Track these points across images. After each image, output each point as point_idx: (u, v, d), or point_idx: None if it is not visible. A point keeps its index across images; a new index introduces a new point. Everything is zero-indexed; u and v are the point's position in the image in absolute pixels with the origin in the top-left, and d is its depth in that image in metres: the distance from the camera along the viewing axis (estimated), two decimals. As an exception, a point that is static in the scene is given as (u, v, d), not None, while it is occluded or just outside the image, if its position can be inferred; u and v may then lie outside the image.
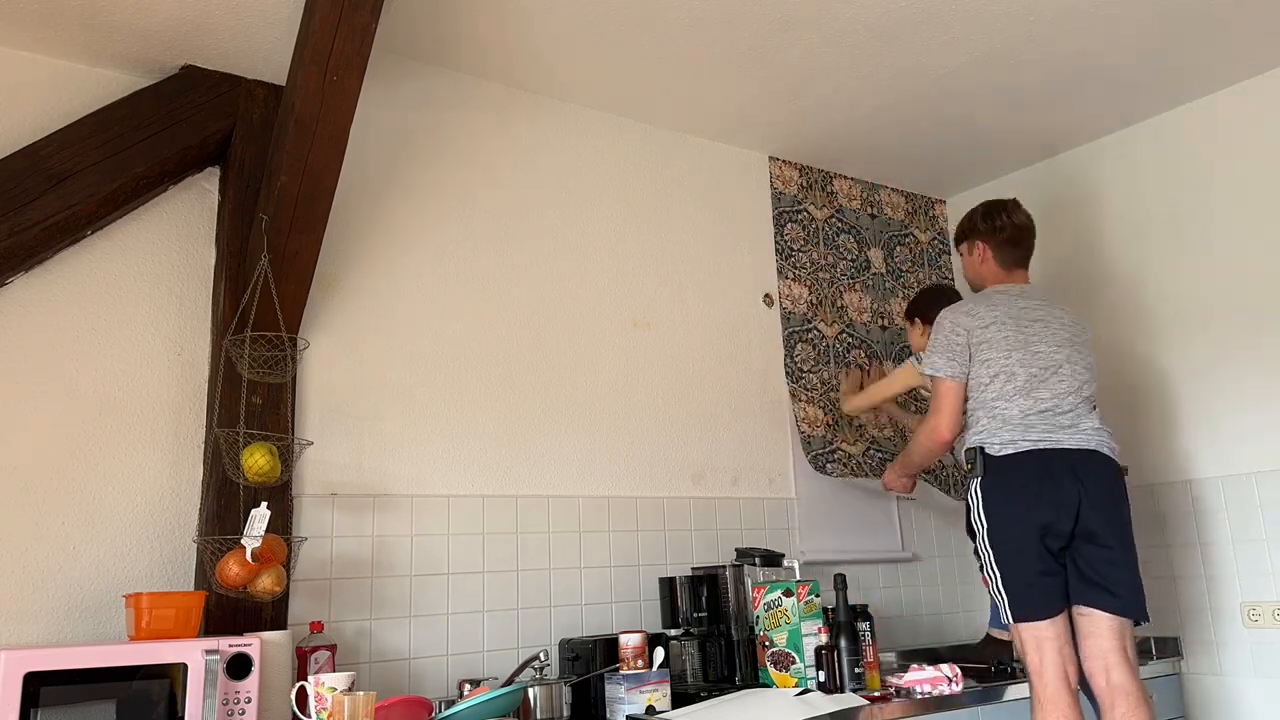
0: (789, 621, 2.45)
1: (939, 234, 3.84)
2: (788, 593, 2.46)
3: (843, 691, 2.35)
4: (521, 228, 2.82)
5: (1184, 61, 2.88)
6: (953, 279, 3.82)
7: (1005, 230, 2.63)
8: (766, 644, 2.50)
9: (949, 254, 3.84)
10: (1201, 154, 3.09)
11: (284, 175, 2.14)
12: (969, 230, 2.71)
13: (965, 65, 2.83)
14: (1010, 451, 2.35)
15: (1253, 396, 2.91)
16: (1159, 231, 3.18)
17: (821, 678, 2.35)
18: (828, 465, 3.19)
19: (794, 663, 2.43)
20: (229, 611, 2.19)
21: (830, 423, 3.28)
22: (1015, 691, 2.56)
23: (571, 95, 2.94)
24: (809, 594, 2.47)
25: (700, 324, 3.11)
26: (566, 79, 2.83)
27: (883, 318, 3.57)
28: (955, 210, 3.86)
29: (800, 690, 2.35)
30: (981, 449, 2.39)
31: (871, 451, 3.33)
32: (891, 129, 3.24)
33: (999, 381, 2.42)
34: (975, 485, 2.39)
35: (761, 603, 2.52)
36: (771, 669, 2.47)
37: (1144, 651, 3.00)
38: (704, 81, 2.87)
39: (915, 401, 3.46)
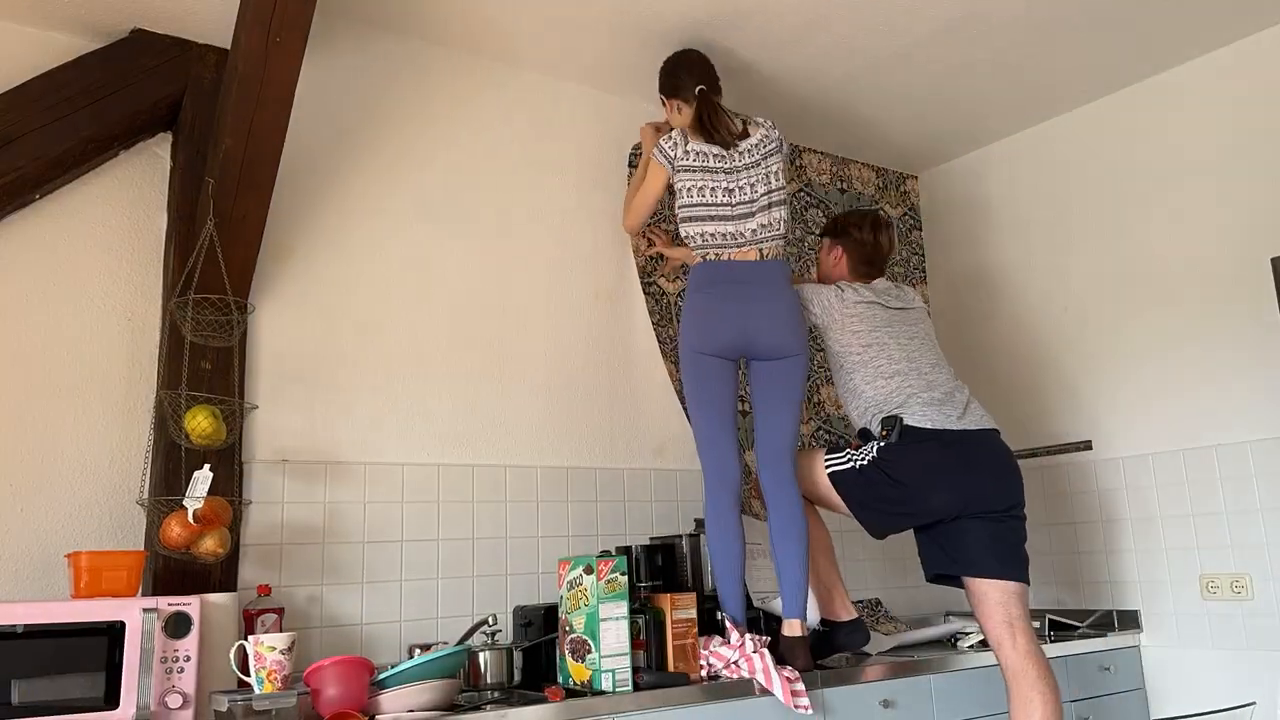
0: (587, 604, 2.09)
1: (910, 209, 3.82)
2: (589, 569, 2.09)
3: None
4: (479, 196, 2.81)
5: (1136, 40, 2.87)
6: (923, 255, 3.81)
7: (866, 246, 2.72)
8: (567, 629, 2.12)
9: (920, 229, 3.83)
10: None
11: (229, 138, 2.14)
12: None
13: (930, 34, 2.81)
14: (927, 426, 2.38)
15: (1216, 371, 2.90)
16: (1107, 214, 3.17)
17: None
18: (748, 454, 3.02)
19: (590, 652, 2.05)
20: (176, 574, 2.19)
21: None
22: (964, 661, 2.58)
23: (529, 63, 2.92)
24: (611, 571, 2.10)
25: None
26: (523, 46, 2.82)
27: (852, 292, 3.55)
28: (927, 185, 3.84)
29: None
30: (900, 419, 2.41)
31: (820, 432, 3.32)
32: (860, 103, 3.22)
33: (872, 352, 2.50)
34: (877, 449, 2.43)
35: (565, 580, 2.13)
36: (569, 659, 2.11)
37: (1105, 624, 3.01)
38: (667, 51, 2.85)
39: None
